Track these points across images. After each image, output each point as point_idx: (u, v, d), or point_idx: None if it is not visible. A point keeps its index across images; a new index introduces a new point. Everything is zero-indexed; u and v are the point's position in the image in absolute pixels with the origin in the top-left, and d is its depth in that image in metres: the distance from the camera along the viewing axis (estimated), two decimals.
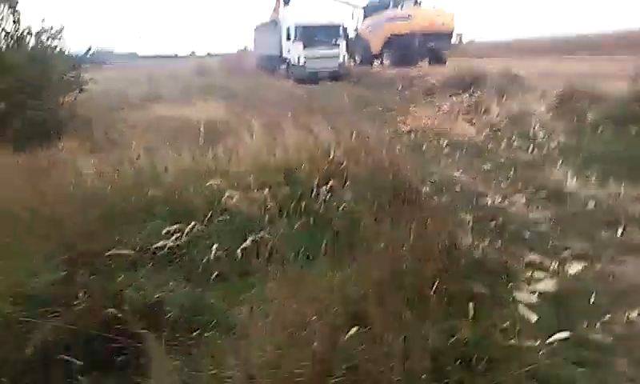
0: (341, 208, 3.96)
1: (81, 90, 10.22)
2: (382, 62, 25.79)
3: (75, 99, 10.13)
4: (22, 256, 3.36)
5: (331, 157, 4.73)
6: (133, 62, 48.19)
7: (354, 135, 5.26)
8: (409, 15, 24.62)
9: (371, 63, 26.22)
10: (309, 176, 4.45)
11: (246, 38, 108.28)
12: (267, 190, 4.23)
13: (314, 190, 4.25)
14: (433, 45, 23.96)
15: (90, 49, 11.54)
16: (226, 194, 4.04)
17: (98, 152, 6.84)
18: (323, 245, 3.60)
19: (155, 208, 4.07)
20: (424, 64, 22.48)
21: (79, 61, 10.84)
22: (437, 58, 23.99)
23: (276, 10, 27.51)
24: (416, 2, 26.12)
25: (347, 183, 4.20)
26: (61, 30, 10.33)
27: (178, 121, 9.74)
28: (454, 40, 25.85)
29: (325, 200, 4.11)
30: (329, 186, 4.12)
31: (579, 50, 28.86)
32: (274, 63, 26.78)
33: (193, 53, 77.32)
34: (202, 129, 6.59)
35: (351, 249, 3.43)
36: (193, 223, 3.91)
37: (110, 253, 3.46)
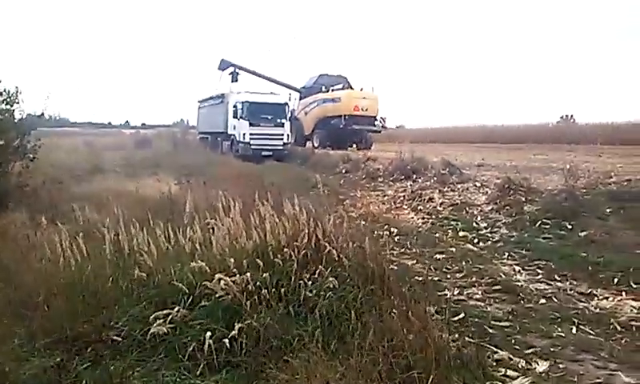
0: (325, 294, 4.09)
1: (32, 159, 9.92)
2: (313, 144, 26.86)
3: (27, 167, 9.78)
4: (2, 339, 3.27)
5: (305, 241, 4.89)
6: (65, 127, 47.18)
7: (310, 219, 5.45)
8: (338, 98, 26.01)
9: (304, 144, 27.24)
10: (287, 260, 4.57)
11: (181, 111, 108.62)
12: (248, 275, 4.31)
13: (293, 276, 4.37)
14: (357, 128, 25.27)
15: (43, 113, 11.28)
16: (214, 279, 4.06)
17: (55, 225, 6.64)
18: (310, 332, 3.72)
19: (139, 291, 4.07)
20: (353, 147, 23.82)
21: (31, 126, 10.60)
22: (363, 142, 25.36)
23: (220, 84, 27.98)
24: (345, 87, 27.56)
25: (329, 269, 4.33)
26: (16, 94, 10.10)
27: (131, 196, 9.63)
28: (377, 123, 27.29)
29: (306, 285, 4.24)
30: (313, 272, 4.24)
31: (505, 141, 31.09)
32: (217, 139, 27.02)
33: (127, 122, 76.77)
34: (170, 207, 6.53)
35: (341, 338, 3.59)
36: (177, 308, 3.95)
37: (99, 338, 3.42)
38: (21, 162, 9.98)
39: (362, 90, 27.42)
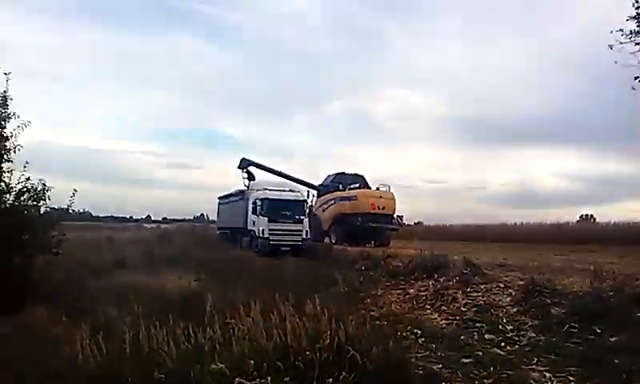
0: None
1: (57, 253, 10.06)
2: (330, 240, 27.03)
3: (50, 262, 9.91)
4: None
5: (327, 343, 4.79)
6: (87, 221, 48.08)
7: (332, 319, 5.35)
8: (354, 196, 26.46)
9: (322, 240, 27.40)
10: (309, 362, 4.46)
11: (202, 206, 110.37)
12: (269, 378, 4.21)
13: (315, 381, 4.25)
14: (374, 225, 25.46)
15: (69, 206, 11.56)
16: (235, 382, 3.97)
17: (77, 322, 6.62)
18: None
19: None
20: (371, 244, 23.87)
21: (55, 221, 10.84)
22: (380, 238, 25.53)
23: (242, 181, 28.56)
24: (362, 185, 28.06)
25: (352, 374, 4.21)
26: (43, 190, 10.41)
27: (151, 292, 9.64)
28: (394, 221, 27.49)
29: None
30: (336, 376, 4.13)
31: (525, 240, 30.76)
32: (237, 234, 27.24)
33: (148, 216, 78.03)
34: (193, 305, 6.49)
35: None
36: None
37: None
38: (44, 256, 10.10)
39: (378, 188, 27.89)
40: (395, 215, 27.81)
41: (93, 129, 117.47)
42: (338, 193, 28.03)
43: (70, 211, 12.17)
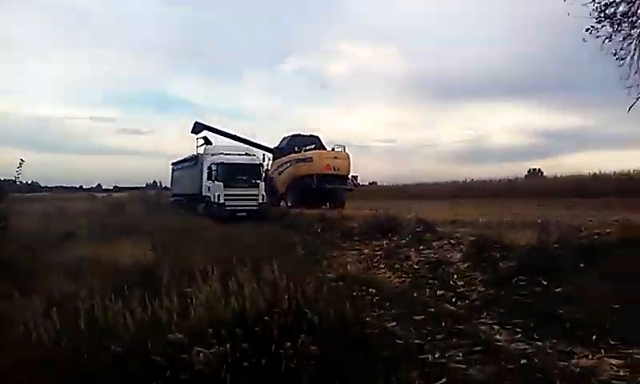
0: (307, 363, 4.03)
1: (4, 227, 9.72)
2: (286, 203, 27.10)
3: None
4: None
5: (285, 307, 4.85)
6: (35, 192, 46.45)
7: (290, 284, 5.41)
8: (310, 157, 26.46)
9: (279, 203, 27.48)
10: (267, 327, 4.51)
11: (154, 172, 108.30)
12: (228, 346, 4.23)
13: (274, 345, 4.30)
14: (330, 186, 25.62)
15: (16, 178, 11.14)
16: (192, 352, 3.98)
17: (29, 297, 6.45)
18: None
19: (116, 366, 3.96)
20: (327, 206, 24.25)
21: (2, 193, 10.45)
22: (336, 200, 25.73)
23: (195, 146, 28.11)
24: (318, 147, 28.06)
25: (310, 336, 4.28)
26: None
27: (105, 263, 9.48)
28: (349, 182, 27.75)
29: (287, 354, 4.18)
30: (294, 340, 4.19)
31: (477, 196, 31.69)
32: (192, 201, 26.93)
33: (99, 185, 76.03)
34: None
35: None
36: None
37: None
38: None
39: (333, 149, 27.93)
40: (350, 176, 28.00)
41: (39, 96, 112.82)
42: (294, 155, 27.91)
43: (18, 182, 11.74)
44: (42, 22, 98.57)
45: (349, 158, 27.61)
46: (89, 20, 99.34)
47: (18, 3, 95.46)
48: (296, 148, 28.36)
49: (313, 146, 28.14)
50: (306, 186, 26.01)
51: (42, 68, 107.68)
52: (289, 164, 28.03)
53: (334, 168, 26.37)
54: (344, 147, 27.92)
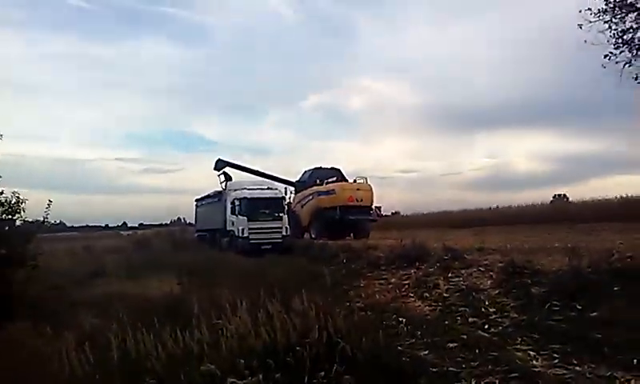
0: None
1: (34, 267, 9.88)
2: (310, 235, 27.11)
3: (29, 276, 9.73)
4: None
5: (316, 337, 4.82)
6: (62, 232, 47.21)
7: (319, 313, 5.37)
8: (332, 190, 26.55)
9: (302, 236, 27.52)
10: (299, 358, 4.48)
11: (178, 209, 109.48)
12: (260, 376, 4.21)
13: (307, 376, 4.27)
14: (353, 218, 25.61)
15: (45, 219, 11.36)
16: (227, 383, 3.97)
17: (61, 333, 6.52)
18: None
19: None
20: (351, 237, 24.23)
21: (31, 232, 10.66)
22: (360, 231, 25.72)
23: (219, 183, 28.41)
24: (339, 179, 28.16)
25: (344, 365, 4.24)
26: (18, 203, 10.21)
27: (133, 298, 9.55)
28: (372, 213, 27.70)
29: None
30: (327, 370, 4.15)
31: (501, 223, 31.24)
32: (216, 235, 27.11)
33: (124, 223, 77.17)
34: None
35: None
36: None
37: None
38: (23, 270, 9.92)
39: (355, 181, 28.00)
40: (373, 206, 27.97)
41: (65, 139, 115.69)
42: (316, 187, 28.05)
43: (46, 223, 11.96)
44: (67, 68, 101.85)
45: (371, 188, 27.64)
46: (112, 66, 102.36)
47: (45, 49, 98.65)
48: (318, 180, 28.53)
49: (334, 179, 28.26)
50: (330, 218, 26.05)
51: (68, 113, 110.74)
52: (311, 197, 28.16)
53: (356, 199, 26.41)
54: (366, 179, 27.97)
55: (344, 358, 4.37)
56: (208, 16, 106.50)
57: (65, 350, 4.85)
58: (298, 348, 4.48)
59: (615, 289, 8.01)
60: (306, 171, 31.01)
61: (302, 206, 28.64)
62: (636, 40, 11.86)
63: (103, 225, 78.48)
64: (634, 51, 11.89)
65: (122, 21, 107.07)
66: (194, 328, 5.36)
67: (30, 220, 11.49)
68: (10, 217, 10.26)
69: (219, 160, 28.61)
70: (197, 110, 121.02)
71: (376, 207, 28.49)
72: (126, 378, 4.30)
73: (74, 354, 4.71)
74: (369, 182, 27.91)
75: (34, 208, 11.23)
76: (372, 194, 27.52)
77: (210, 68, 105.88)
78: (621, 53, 11.87)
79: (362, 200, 26.60)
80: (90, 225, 73.72)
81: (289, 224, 25.10)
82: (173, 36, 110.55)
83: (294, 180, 30.76)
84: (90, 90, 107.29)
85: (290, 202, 29.00)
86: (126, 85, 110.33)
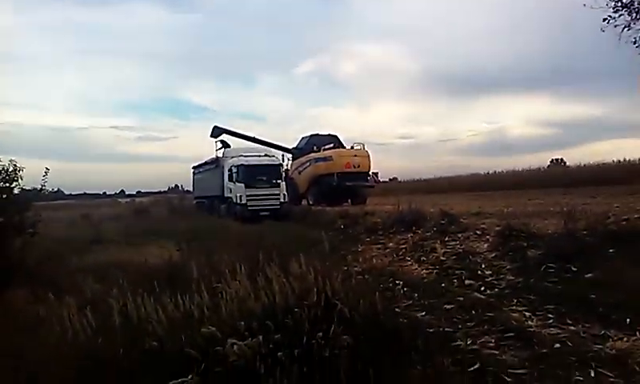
0: (340, 353, 4.05)
1: (33, 234, 9.91)
2: (307, 202, 27.23)
3: (27, 243, 9.75)
4: None
5: (315, 299, 4.87)
6: (60, 200, 47.20)
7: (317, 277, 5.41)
8: (329, 156, 26.56)
9: (300, 202, 27.63)
10: (298, 320, 4.53)
11: (175, 176, 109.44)
12: (260, 337, 4.27)
13: (306, 336, 4.33)
14: (351, 184, 25.70)
15: (43, 187, 11.34)
16: (226, 344, 4.03)
17: (62, 299, 6.58)
18: None
19: (150, 360, 4.03)
20: (349, 203, 24.77)
21: (29, 200, 10.65)
22: (357, 197, 25.83)
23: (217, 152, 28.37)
24: (336, 145, 28.12)
25: (341, 327, 4.30)
26: (15, 171, 10.18)
27: (133, 265, 9.62)
28: (370, 179, 27.77)
29: (320, 345, 4.19)
30: (326, 330, 4.21)
31: (499, 188, 31.37)
32: (214, 202, 27.19)
33: (122, 191, 77.24)
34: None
35: None
36: (190, 376, 3.90)
37: None
38: (21, 238, 9.94)
39: (352, 147, 27.97)
40: (370, 172, 28.01)
41: (59, 107, 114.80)
42: (313, 154, 28.07)
43: (43, 191, 11.93)
44: (57, 35, 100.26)
45: (368, 155, 27.69)
46: (104, 33, 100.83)
47: (34, 17, 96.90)
48: (315, 147, 28.53)
49: (332, 145, 28.22)
50: (327, 185, 26.17)
51: (62, 80, 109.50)
52: (308, 163, 28.19)
53: (353, 165, 26.49)
54: (363, 145, 28.00)
55: (342, 320, 4.42)
56: None
57: (67, 314, 4.89)
58: (296, 310, 4.53)
59: (610, 251, 8.09)
60: (303, 138, 31.01)
61: (300, 173, 28.71)
62: (635, 3, 11.78)
63: (101, 192, 78.74)
64: (634, 15, 11.80)
65: None
66: (194, 292, 5.40)
67: (28, 188, 11.46)
68: (7, 185, 10.23)
69: (215, 127, 28.51)
70: (190, 76, 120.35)
71: (373, 173, 28.60)
72: (128, 342, 4.36)
73: (76, 319, 4.76)
74: (366, 148, 27.93)
75: (31, 176, 11.20)
76: (369, 160, 27.58)
77: (202, 34, 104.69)
78: (620, 16, 11.81)
79: (359, 166, 26.68)
80: (88, 193, 73.95)
81: (287, 191, 25.17)
82: (164, 1, 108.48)
83: (290, 147, 30.71)
84: (81, 58, 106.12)
85: (287, 169, 29.02)
86: (117, 52, 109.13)
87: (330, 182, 26.07)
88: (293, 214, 23.35)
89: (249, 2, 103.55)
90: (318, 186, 27.02)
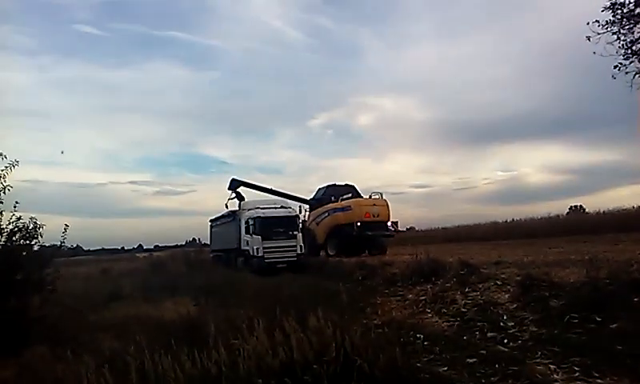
0: None
1: (52, 290, 9.99)
2: (326, 253, 27.01)
3: (46, 300, 9.82)
4: None
5: (333, 355, 4.80)
6: (79, 256, 47.64)
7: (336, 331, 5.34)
8: (348, 206, 26.49)
9: (318, 253, 27.42)
10: (317, 376, 4.47)
11: (193, 230, 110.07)
12: None
13: None
14: (371, 234, 25.52)
15: (62, 243, 11.48)
16: None
17: (80, 357, 6.57)
18: None
19: None
20: (366, 253, 24.55)
21: (48, 257, 10.78)
22: (377, 247, 25.65)
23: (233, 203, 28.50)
24: (354, 195, 28.11)
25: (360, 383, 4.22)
26: (35, 229, 10.35)
27: (151, 321, 9.60)
28: (390, 228, 27.54)
29: None
30: None
31: (517, 236, 30.98)
32: (231, 255, 27.17)
33: (140, 245, 77.78)
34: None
35: None
36: None
37: None
38: (40, 295, 10.02)
39: (370, 196, 27.91)
40: (390, 222, 27.81)
41: (78, 163, 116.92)
42: (332, 205, 27.99)
43: (63, 247, 12.08)
44: (78, 93, 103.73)
45: (387, 204, 27.51)
46: (124, 90, 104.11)
47: (56, 75, 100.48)
48: (333, 198, 28.46)
49: (350, 195, 28.16)
50: (347, 235, 25.96)
51: (82, 137, 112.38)
52: (327, 214, 28.08)
53: (373, 215, 26.31)
54: (381, 194, 27.85)
55: (361, 376, 4.35)
56: (216, 39, 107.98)
57: (84, 373, 4.87)
58: (315, 366, 4.48)
59: (635, 300, 7.91)
60: (320, 189, 31.04)
61: (318, 224, 28.60)
62: None
63: (119, 247, 79.28)
64: None
65: (132, 45, 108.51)
66: (211, 349, 5.36)
67: (47, 245, 11.62)
68: (27, 242, 10.39)
69: (233, 180, 28.77)
70: (207, 132, 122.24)
71: (393, 222, 28.31)
72: None
73: (94, 378, 4.73)
74: (384, 197, 27.84)
75: (50, 233, 11.37)
76: (388, 209, 27.40)
77: (220, 90, 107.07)
78: (630, 63, 11.91)
79: (378, 215, 26.51)
80: (106, 248, 74.46)
81: (304, 242, 25.07)
82: (182, 59, 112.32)
83: (307, 198, 30.78)
84: (101, 115, 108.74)
85: (304, 220, 28.99)
86: (136, 109, 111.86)
87: (349, 231, 25.87)
88: (310, 265, 23.19)
89: (265, 58, 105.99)
90: (338, 236, 26.80)
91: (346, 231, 26.00)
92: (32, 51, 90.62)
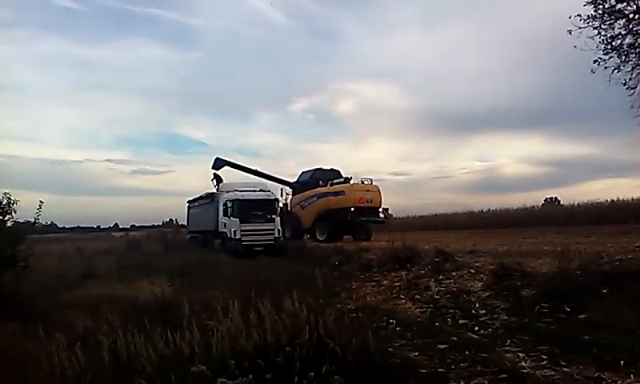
0: None
1: (25, 267, 9.85)
2: (315, 236, 26.89)
3: (18, 276, 9.69)
4: None
5: (307, 338, 4.83)
6: (53, 233, 47.04)
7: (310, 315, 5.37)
8: (342, 191, 26.38)
9: (302, 237, 27.33)
10: (290, 358, 4.49)
11: (169, 211, 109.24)
12: (251, 376, 4.23)
13: (297, 376, 4.28)
14: (364, 219, 25.53)
15: (36, 220, 11.31)
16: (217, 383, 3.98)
17: (52, 335, 6.49)
18: None
19: None
20: (349, 239, 24.63)
21: (22, 233, 10.61)
22: (365, 232, 25.62)
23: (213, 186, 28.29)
24: (346, 179, 28.05)
25: (333, 366, 4.26)
26: (9, 204, 10.17)
27: (125, 300, 9.53)
28: (381, 214, 27.59)
29: None
30: (317, 370, 4.17)
31: (494, 225, 31.44)
32: (208, 237, 27.06)
33: (116, 224, 76.99)
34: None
35: None
36: None
37: None
38: (12, 271, 9.87)
39: (362, 182, 27.75)
40: (381, 208, 27.79)
41: (54, 140, 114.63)
42: (321, 189, 27.63)
43: (37, 224, 11.91)
44: (55, 69, 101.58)
45: (379, 190, 27.38)
46: (102, 67, 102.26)
47: (32, 50, 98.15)
48: (321, 182, 28.20)
49: (342, 180, 27.96)
50: (340, 220, 25.81)
51: (58, 113, 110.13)
52: (315, 198, 27.76)
53: (366, 200, 26.24)
54: (371, 180, 27.77)
55: (334, 359, 4.38)
56: (195, 18, 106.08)
57: (56, 351, 4.83)
58: (288, 348, 4.50)
59: (604, 291, 8.11)
60: (304, 172, 30.66)
61: (303, 208, 28.32)
62: (624, 46, 12.04)
63: (95, 226, 78.40)
64: (623, 57, 12.08)
65: (111, 21, 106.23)
66: (185, 329, 5.35)
67: (21, 221, 11.44)
68: (1, 218, 10.21)
69: (217, 159, 28.51)
70: (186, 112, 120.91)
71: (384, 208, 28.31)
72: (117, 380, 4.30)
73: (65, 356, 4.69)
74: (375, 183, 27.76)
75: (24, 209, 11.18)
76: (380, 195, 27.31)
77: (199, 70, 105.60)
78: (610, 58, 12.07)
79: (371, 201, 26.44)
80: (82, 226, 73.61)
81: (286, 225, 24.99)
82: (162, 38, 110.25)
83: (291, 181, 30.53)
84: (78, 91, 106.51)
85: (286, 203, 28.89)
86: (114, 86, 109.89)
87: (342, 216, 25.73)
88: (287, 249, 23.23)
89: (246, 41, 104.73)
90: (329, 220, 26.58)
91: (339, 216, 25.80)
92: (7, 23, 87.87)
